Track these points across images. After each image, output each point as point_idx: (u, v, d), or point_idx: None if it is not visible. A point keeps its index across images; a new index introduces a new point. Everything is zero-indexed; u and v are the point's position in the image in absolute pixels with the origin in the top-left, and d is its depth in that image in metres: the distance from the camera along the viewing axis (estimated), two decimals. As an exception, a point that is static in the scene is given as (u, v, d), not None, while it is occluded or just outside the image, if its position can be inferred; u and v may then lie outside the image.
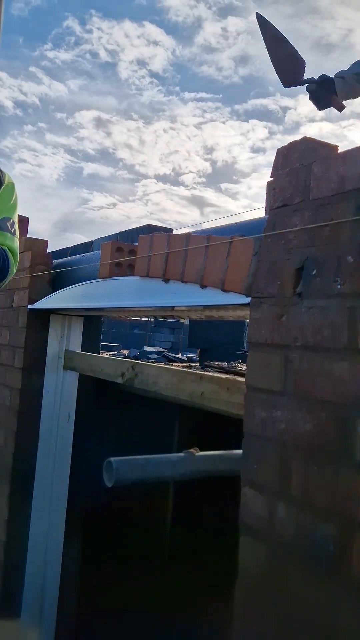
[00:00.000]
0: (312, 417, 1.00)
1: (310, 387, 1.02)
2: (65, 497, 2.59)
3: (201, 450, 1.81)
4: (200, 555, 2.69)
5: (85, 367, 2.41)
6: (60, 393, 2.63)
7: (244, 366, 2.33)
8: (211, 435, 2.74)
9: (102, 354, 2.83)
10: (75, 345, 2.68)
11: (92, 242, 2.68)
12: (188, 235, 1.49)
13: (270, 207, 1.19)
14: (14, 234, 1.85)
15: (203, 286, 1.40)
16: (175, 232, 1.86)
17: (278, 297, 1.12)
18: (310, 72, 1.79)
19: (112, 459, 1.63)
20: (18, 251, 1.86)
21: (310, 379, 1.02)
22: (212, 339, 3.24)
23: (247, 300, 1.22)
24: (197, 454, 1.78)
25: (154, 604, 2.50)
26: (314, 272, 1.04)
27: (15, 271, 1.85)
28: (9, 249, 1.81)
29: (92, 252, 2.45)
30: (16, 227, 1.86)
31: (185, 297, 1.50)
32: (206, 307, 1.49)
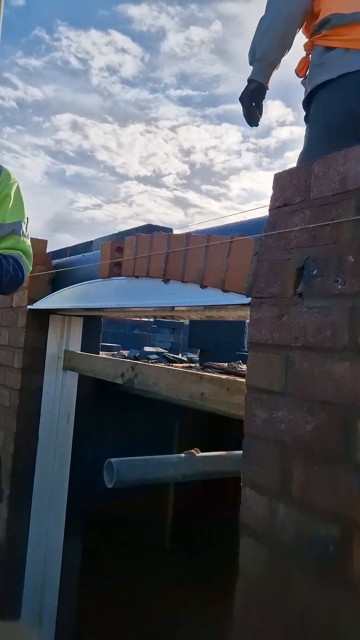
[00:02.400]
0: (313, 417, 1.00)
1: (310, 387, 1.01)
2: (65, 497, 2.59)
3: (202, 451, 1.81)
4: (200, 555, 2.69)
5: (85, 367, 2.41)
6: (59, 393, 2.63)
7: (244, 367, 2.32)
8: (211, 435, 2.74)
9: (102, 354, 2.82)
10: (75, 345, 2.68)
11: (91, 242, 2.68)
12: (188, 235, 1.49)
13: (270, 207, 1.19)
14: (27, 235, 1.91)
15: (203, 286, 1.40)
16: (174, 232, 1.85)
17: (278, 297, 1.12)
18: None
19: (113, 459, 1.63)
20: (31, 250, 1.91)
21: (310, 379, 1.02)
22: (212, 339, 3.24)
23: (248, 300, 1.22)
24: (197, 454, 1.77)
25: (155, 604, 2.50)
26: (315, 272, 1.04)
27: (30, 269, 1.91)
28: (23, 253, 1.86)
29: (91, 252, 2.44)
30: (28, 224, 1.91)
31: (185, 297, 1.49)
32: (206, 307, 1.49)
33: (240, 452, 1.18)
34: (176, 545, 2.79)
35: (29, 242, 1.90)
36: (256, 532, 1.09)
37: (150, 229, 2.10)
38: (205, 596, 2.38)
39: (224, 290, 1.31)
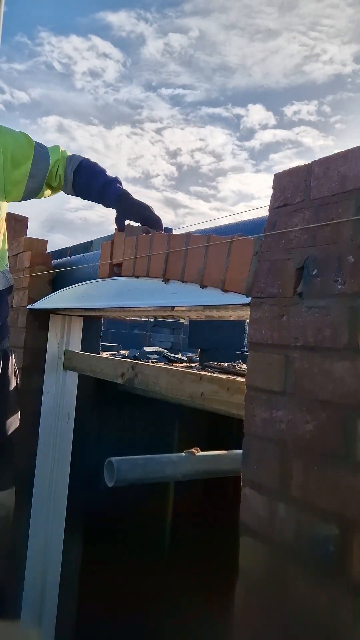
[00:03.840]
0: (313, 417, 1.00)
1: (310, 387, 1.01)
2: (65, 497, 2.59)
3: (202, 450, 1.81)
4: (200, 555, 2.69)
5: (85, 367, 2.41)
6: (60, 393, 2.63)
7: (244, 366, 2.33)
8: (211, 435, 2.74)
9: (102, 354, 2.82)
10: (75, 345, 2.68)
11: (91, 242, 2.68)
12: (188, 235, 1.49)
13: (270, 207, 1.19)
14: (41, 145, 1.91)
15: (203, 286, 1.40)
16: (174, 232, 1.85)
17: (278, 297, 1.12)
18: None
19: (113, 458, 1.63)
20: (51, 150, 1.92)
21: (310, 379, 1.02)
22: (212, 339, 3.24)
23: (248, 300, 1.22)
24: (197, 453, 1.78)
25: (155, 604, 2.50)
26: (315, 272, 1.04)
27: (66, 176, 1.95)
28: (62, 158, 1.92)
29: (92, 252, 2.44)
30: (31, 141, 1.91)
31: (185, 297, 1.49)
32: (206, 307, 1.49)
33: (240, 451, 1.18)
34: (176, 545, 2.79)
35: (46, 147, 1.91)
36: (256, 531, 1.09)
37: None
38: (205, 596, 2.38)
39: (224, 290, 1.31)
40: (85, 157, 1.95)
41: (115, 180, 1.89)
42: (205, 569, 2.59)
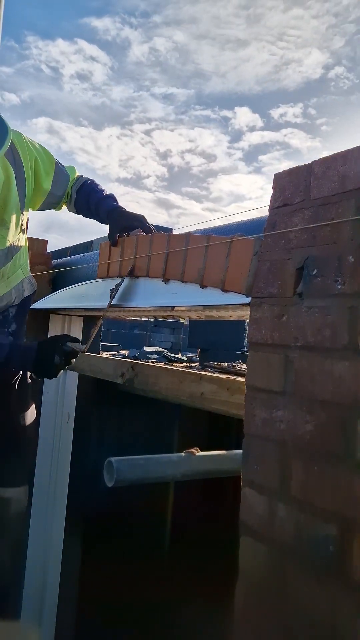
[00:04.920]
0: (313, 417, 1.00)
1: (310, 387, 1.01)
2: (65, 497, 2.59)
3: (202, 450, 1.81)
4: (200, 555, 2.69)
5: (85, 367, 2.41)
6: (60, 393, 2.63)
7: (244, 366, 2.33)
8: (211, 435, 2.74)
9: (102, 354, 2.82)
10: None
11: (92, 242, 2.68)
12: (188, 235, 1.49)
13: (270, 207, 1.19)
14: (62, 166, 1.98)
15: (203, 286, 1.40)
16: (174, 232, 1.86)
17: (278, 297, 1.12)
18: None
19: (113, 458, 1.63)
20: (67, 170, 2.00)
21: (310, 379, 1.02)
22: (212, 339, 3.24)
23: (247, 300, 1.22)
24: (197, 453, 1.78)
25: (155, 604, 2.50)
26: (315, 272, 1.04)
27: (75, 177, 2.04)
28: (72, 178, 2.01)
29: (91, 252, 2.44)
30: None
31: (185, 297, 1.49)
32: (206, 307, 1.49)
33: (240, 451, 1.18)
34: (177, 545, 2.79)
35: (64, 166, 1.98)
36: (256, 531, 1.09)
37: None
38: (205, 595, 2.38)
39: (224, 290, 1.31)
40: (91, 178, 2.04)
41: (110, 197, 1.95)
42: (205, 569, 2.59)
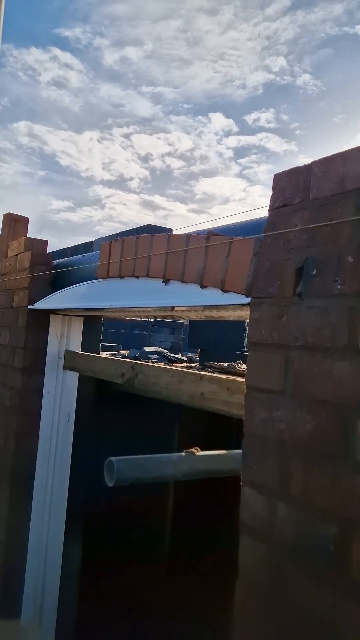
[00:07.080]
0: (312, 417, 1.00)
1: (310, 387, 1.02)
2: (65, 497, 2.59)
3: (202, 449, 1.81)
4: (200, 554, 2.69)
5: (85, 367, 2.41)
6: (60, 393, 2.63)
7: (244, 366, 2.33)
8: (211, 434, 2.74)
9: (102, 354, 2.82)
10: (75, 345, 2.68)
11: (92, 242, 2.68)
12: (188, 235, 1.49)
13: (270, 207, 1.19)
14: None
15: (203, 286, 1.40)
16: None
17: (278, 297, 1.12)
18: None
19: (113, 458, 1.63)
20: None
21: (310, 379, 1.02)
22: (212, 339, 3.24)
23: (247, 300, 1.22)
24: (197, 453, 1.78)
25: (155, 604, 2.50)
26: (314, 272, 1.04)
27: None
28: None
29: (92, 253, 2.45)
30: None
31: (185, 297, 1.50)
32: (206, 307, 1.49)
33: (240, 451, 1.18)
34: (176, 544, 2.79)
35: None
36: (256, 530, 1.09)
37: (150, 229, 2.11)
38: (205, 594, 2.38)
39: (224, 290, 1.31)
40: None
41: None
42: (205, 568, 2.59)
